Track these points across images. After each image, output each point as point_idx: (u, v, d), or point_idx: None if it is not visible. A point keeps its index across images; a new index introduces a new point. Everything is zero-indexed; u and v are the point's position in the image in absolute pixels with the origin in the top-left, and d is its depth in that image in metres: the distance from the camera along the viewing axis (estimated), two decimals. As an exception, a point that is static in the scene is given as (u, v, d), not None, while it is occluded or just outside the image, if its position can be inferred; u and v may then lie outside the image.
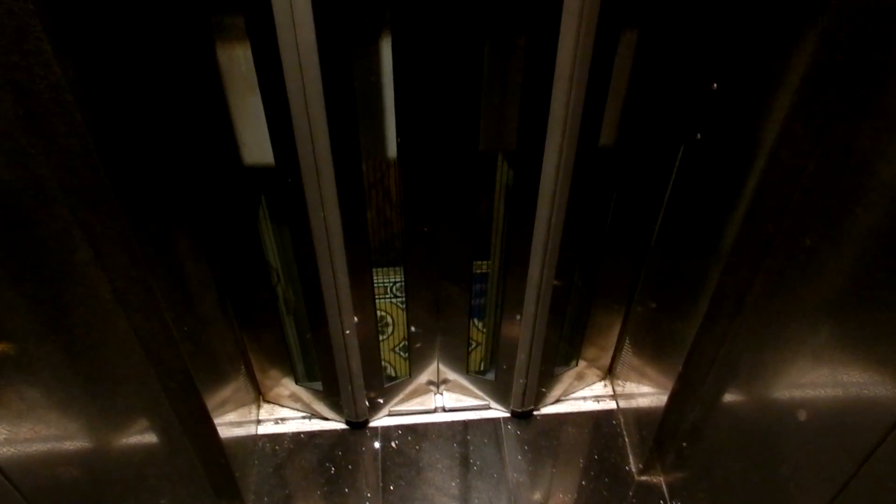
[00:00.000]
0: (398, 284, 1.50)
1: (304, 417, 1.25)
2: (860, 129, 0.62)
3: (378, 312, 1.13)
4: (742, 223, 0.76)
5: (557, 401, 1.29)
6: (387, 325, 1.48)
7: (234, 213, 0.92)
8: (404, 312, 1.15)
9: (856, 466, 0.65)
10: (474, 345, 1.35)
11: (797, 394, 0.76)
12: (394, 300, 1.51)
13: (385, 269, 1.49)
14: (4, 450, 0.64)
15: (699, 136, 0.86)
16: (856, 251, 0.65)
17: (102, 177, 0.63)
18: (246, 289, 1.03)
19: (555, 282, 1.03)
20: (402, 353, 1.39)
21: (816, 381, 0.72)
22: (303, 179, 0.84)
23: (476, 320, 1.36)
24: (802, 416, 0.74)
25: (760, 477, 0.84)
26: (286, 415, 1.25)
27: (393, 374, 1.34)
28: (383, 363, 1.23)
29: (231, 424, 1.10)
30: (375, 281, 1.12)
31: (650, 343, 1.11)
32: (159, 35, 0.73)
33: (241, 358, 1.14)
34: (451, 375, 1.27)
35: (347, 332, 1.05)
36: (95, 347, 0.75)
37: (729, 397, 0.91)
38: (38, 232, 0.63)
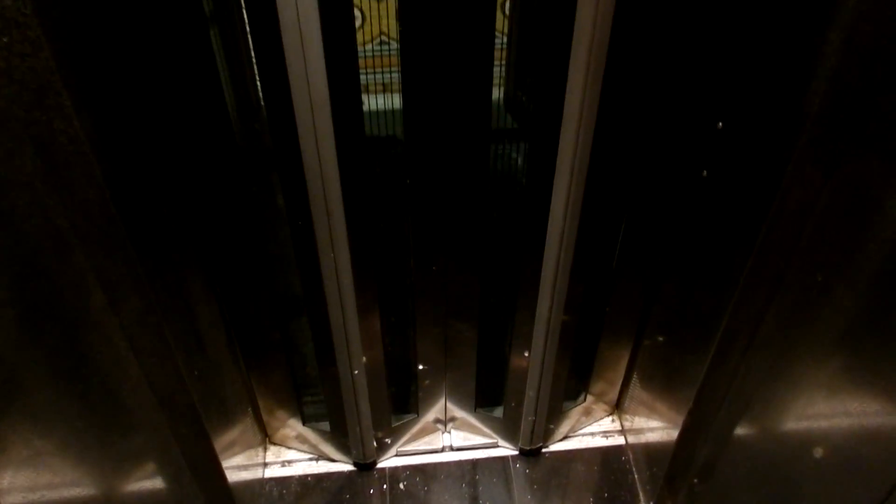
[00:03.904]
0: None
1: (311, 459, 1.24)
2: (870, 167, 0.63)
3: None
4: (753, 260, 0.77)
5: (565, 437, 1.28)
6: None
7: (245, 255, 0.92)
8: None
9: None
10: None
11: (813, 430, 0.76)
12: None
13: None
14: (15, 498, 0.63)
15: (705, 173, 0.87)
16: (867, 285, 0.65)
17: (119, 226, 0.63)
18: (255, 330, 1.02)
19: (563, 317, 1.03)
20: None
21: (832, 416, 0.72)
22: (313, 222, 0.85)
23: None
24: (819, 453, 0.74)
25: (778, 514, 0.83)
26: (293, 457, 1.24)
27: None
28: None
29: (238, 468, 1.09)
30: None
31: (659, 377, 1.10)
32: (177, 88, 0.74)
33: (249, 400, 1.13)
34: (458, 413, 1.26)
35: (356, 372, 1.04)
36: (109, 395, 0.74)
37: (742, 433, 0.91)
38: (55, 281, 0.63)
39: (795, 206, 0.70)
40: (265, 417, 1.20)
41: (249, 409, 1.13)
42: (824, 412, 0.73)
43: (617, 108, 0.81)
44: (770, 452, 0.84)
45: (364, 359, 1.04)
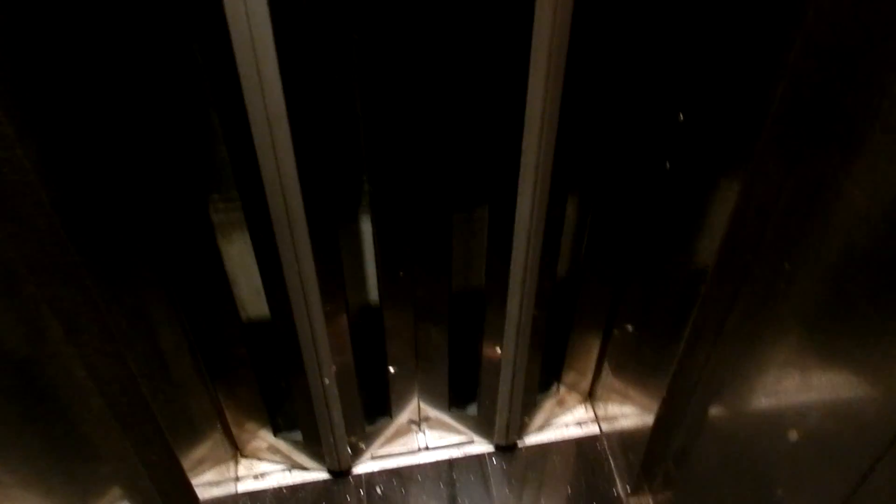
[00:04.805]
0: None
1: (284, 470, 1.21)
2: (831, 158, 0.64)
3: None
4: (720, 252, 0.77)
5: (540, 429, 1.29)
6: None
7: (206, 271, 0.89)
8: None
9: (852, 487, 0.66)
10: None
11: (786, 413, 0.77)
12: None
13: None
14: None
15: (668, 165, 0.87)
16: (832, 271, 0.66)
17: (71, 253, 0.60)
18: (220, 346, 0.99)
19: (534, 313, 1.03)
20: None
21: (804, 399, 0.73)
22: (274, 231, 0.82)
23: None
24: (794, 436, 0.75)
25: (753, 498, 0.85)
26: (266, 469, 1.21)
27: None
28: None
29: (210, 485, 1.06)
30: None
31: (631, 366, 1.11)
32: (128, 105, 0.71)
33: (217, 415, 1.10)
34: (432, 413, 1.25)
35: (326, 381, 1.02)
36: (72, 427, 0.71)
37: (716, 418, 0.92)
38: (7, 316, 0.60)
39: (759, 199, 0.71)
40: (235, 431, 1.17)
41: (218, 424, 1.10)
42: (797, 396, 0.74)
43: (579, 100, 0.81)
44: (745, 437, 0.85)
45: (333, 367, 1.02)
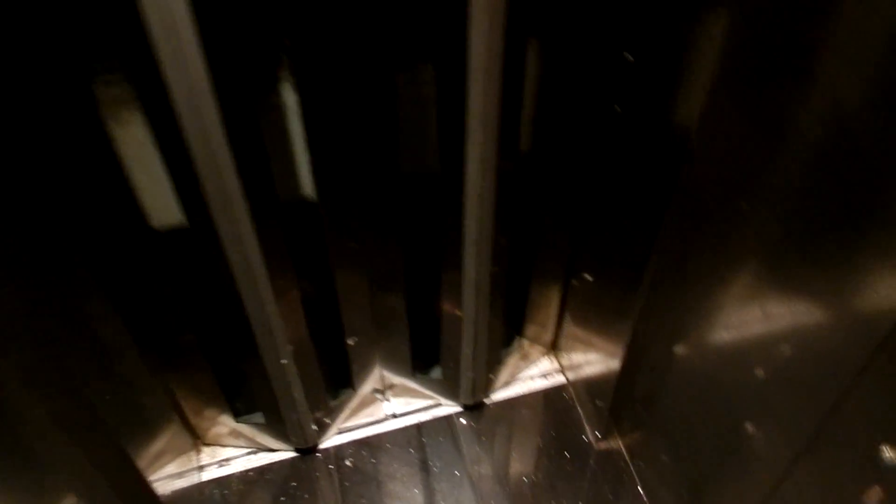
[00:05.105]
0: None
1: (249, 453, 1.18)
2: (785, 90, 0.62)
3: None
4: (677, 195, 0.76)
5: (507, 384, 1.28)
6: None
7: (141, 261, 0.83)
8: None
9: (822, 418, 0.66)
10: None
11: (751, 348, 0.77)
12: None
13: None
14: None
15: (618, 108, 0.85)
16: (789, 206, 0.65)
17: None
18: (167, 336, 0.94)
19: (492, 269, 1.00)
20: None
21: (768, 333, 0.73)
22: (211, 215, 0.77)
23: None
24: (760, 372, 0.75)
25: (723, 435, 0.86)
26: (230, 454, 1.17)
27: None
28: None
29: (172, 477, 1.03)
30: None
31: (593, 314, 1.11)
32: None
33: (173, 407, 1.05)
34: (396, 380, 1.23)
35: (283, 360, 0.98)
36: (17, 442, 0.65)
37: (682, 358, 0.92)
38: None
39: (713, 138, 0.69)
40: (194, 421, 1.12)
41: (175, 416, 1.05)
42: (760, 330, 0.74)
43: (522, 39, 0.77)
44: (711, 374, 0.86)
45: (289, 345, 0.98)
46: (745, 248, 0.73)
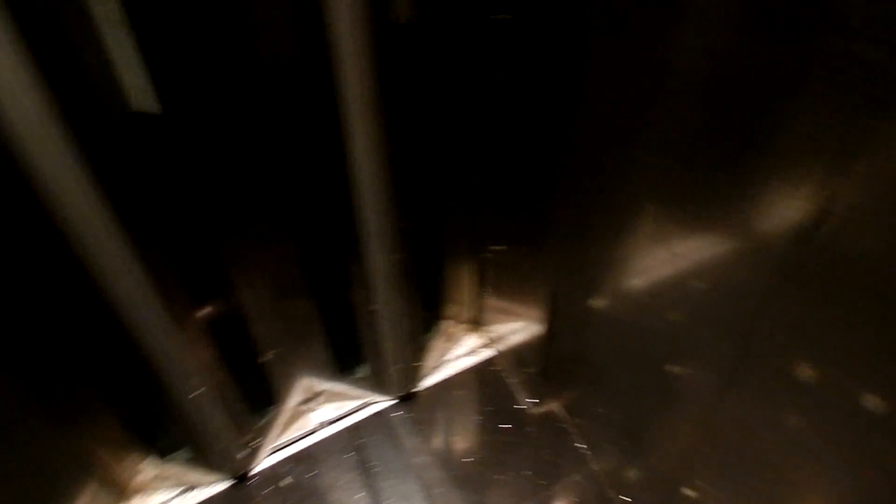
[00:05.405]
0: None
1: (181, 493, 1.11)
2: (658, 25, 0.61)
3: (223, 355, 1.00)
4: (567, 149, 0.75)
5: (436, 368, 1.26)
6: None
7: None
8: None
9: (741, 349, 0.67)
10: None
11: (663, 290, 0.77)
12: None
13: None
14: None
15: (500, 73, 0.83)
16: (679, 143, 0.65)
17: None
18: (60, 390, 0.86)
19: (398, 256, 0.97)
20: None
21: (678, 275, 0.74)
22: (86, 249, 0.70)
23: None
24: (675, 314, 0.76)
25: (650, 381, 0.86)
26: (162, 498, 1.10)
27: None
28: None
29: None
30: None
31: (510, 284, 1.10)
32: None
33: (89, 464, 0.97)
34: (322, 386, 1.18)
35: (195, 393, 0.92)
36: None
37: (600, 311, 0.92)
38: None
39: (599, 87, 0.68)
40: (116, 471, 1.04)
41: (94, 472, 0.97)
42: (672, 273, 0.74)
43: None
44: (631, 323, 0.86)
45: (198, 374, 0.92)
46: (643, 192, 0.73)
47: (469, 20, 0.81)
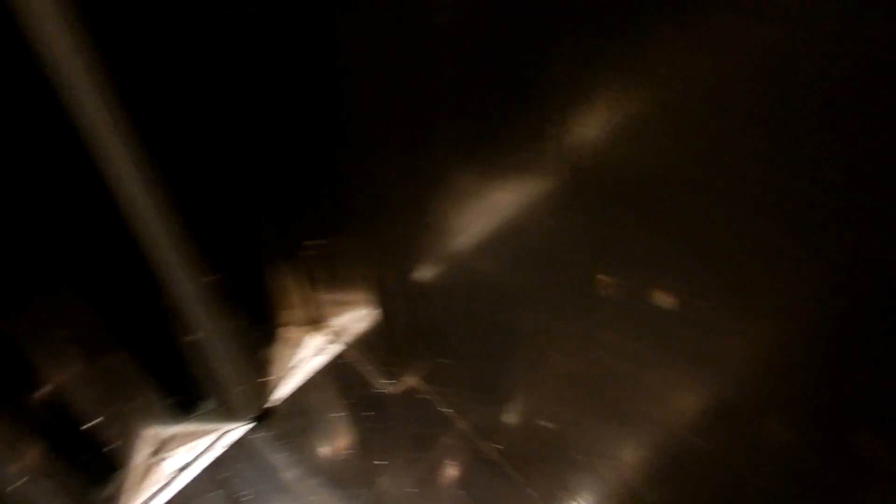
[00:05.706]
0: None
1: None
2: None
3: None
4: (350, 131, 0.74)
5: (286, 377, 1.22)
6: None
7: None
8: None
9: (550, 281, 0.70)
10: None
11: (484, 241, 0.78)
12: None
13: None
14: None
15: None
16: (442, 96, 0.66)
17: None
18: None
19: (213, 279, 0.92)
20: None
21: (484, 231, 0.75)
22: None
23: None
24: (488, 266, 0.78)
25: (486, 329, 0.89)
26: None
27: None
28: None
29: None
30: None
31: (340, 275, 1.08)
32: None
33: None
34: (169, 431, 1.10)
35: (10, 488, 0.82)
36: None
37: (432, 284, 0.93)
38: None
39: (360, 60, 0.67)
40: None
41: None
42: (485, 222, 0.75)
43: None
44: (464, 283, 0.87)
45: (16, 464, 0.82)
46: (435, 158, 0.73)
47: (207, 18, 0.76)
